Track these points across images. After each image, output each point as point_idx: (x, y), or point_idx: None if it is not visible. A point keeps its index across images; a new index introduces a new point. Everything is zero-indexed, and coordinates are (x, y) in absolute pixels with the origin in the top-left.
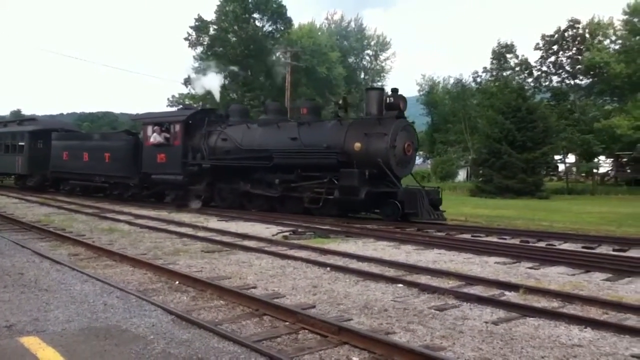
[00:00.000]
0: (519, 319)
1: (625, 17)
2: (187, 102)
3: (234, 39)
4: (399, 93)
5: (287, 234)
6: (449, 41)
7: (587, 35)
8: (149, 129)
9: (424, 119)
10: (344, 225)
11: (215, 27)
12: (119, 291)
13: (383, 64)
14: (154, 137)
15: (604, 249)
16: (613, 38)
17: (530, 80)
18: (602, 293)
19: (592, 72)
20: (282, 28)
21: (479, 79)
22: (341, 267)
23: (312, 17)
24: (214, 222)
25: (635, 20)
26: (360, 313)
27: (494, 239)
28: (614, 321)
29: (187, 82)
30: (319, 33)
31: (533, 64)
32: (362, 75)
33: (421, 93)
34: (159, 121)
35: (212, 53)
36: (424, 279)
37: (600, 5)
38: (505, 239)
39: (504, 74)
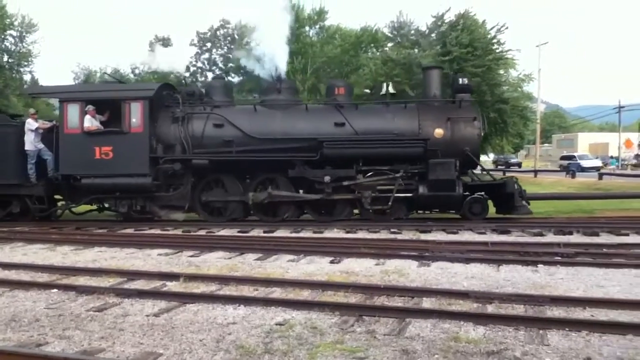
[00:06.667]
0: (179, 307)
1: None
2: None
3: None
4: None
5: None
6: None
7: (237, 36)
8: (74, 108)
9: None
10: None
11: None
12: None
13: (30, 47)
14: (89, 122)
15: (255, 233)
16: (258, 41)
17: (187, 74)
18: (253, 272)
19: (242, 71)
20: None
21: (137, 71)
22: None
23: None
24: None
25: None
26: (6, 328)
27: (157, 231)
28: (262, 296)
29: None
30: None
31: (189, 59)
32: (6, 59)
33: (77, 82)
34: (99, 97)
35: None
36: (82, 280)
37: (248, 6)
38: (168, 229)
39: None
